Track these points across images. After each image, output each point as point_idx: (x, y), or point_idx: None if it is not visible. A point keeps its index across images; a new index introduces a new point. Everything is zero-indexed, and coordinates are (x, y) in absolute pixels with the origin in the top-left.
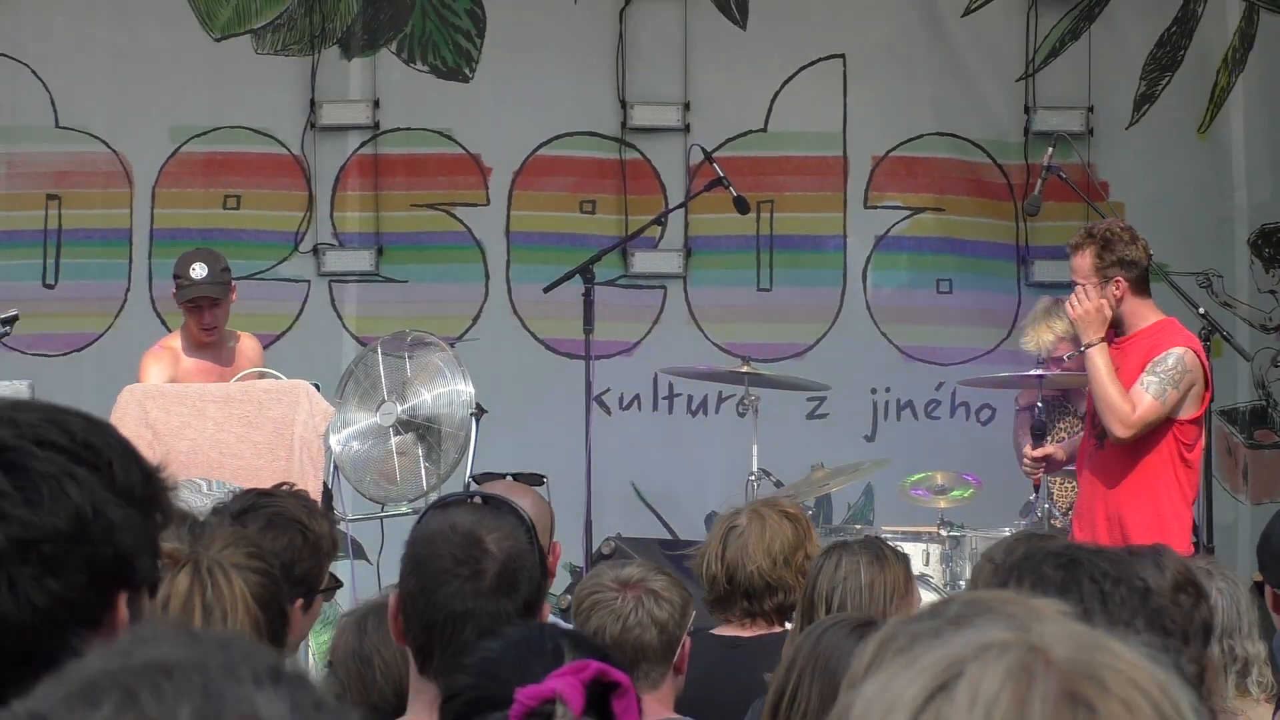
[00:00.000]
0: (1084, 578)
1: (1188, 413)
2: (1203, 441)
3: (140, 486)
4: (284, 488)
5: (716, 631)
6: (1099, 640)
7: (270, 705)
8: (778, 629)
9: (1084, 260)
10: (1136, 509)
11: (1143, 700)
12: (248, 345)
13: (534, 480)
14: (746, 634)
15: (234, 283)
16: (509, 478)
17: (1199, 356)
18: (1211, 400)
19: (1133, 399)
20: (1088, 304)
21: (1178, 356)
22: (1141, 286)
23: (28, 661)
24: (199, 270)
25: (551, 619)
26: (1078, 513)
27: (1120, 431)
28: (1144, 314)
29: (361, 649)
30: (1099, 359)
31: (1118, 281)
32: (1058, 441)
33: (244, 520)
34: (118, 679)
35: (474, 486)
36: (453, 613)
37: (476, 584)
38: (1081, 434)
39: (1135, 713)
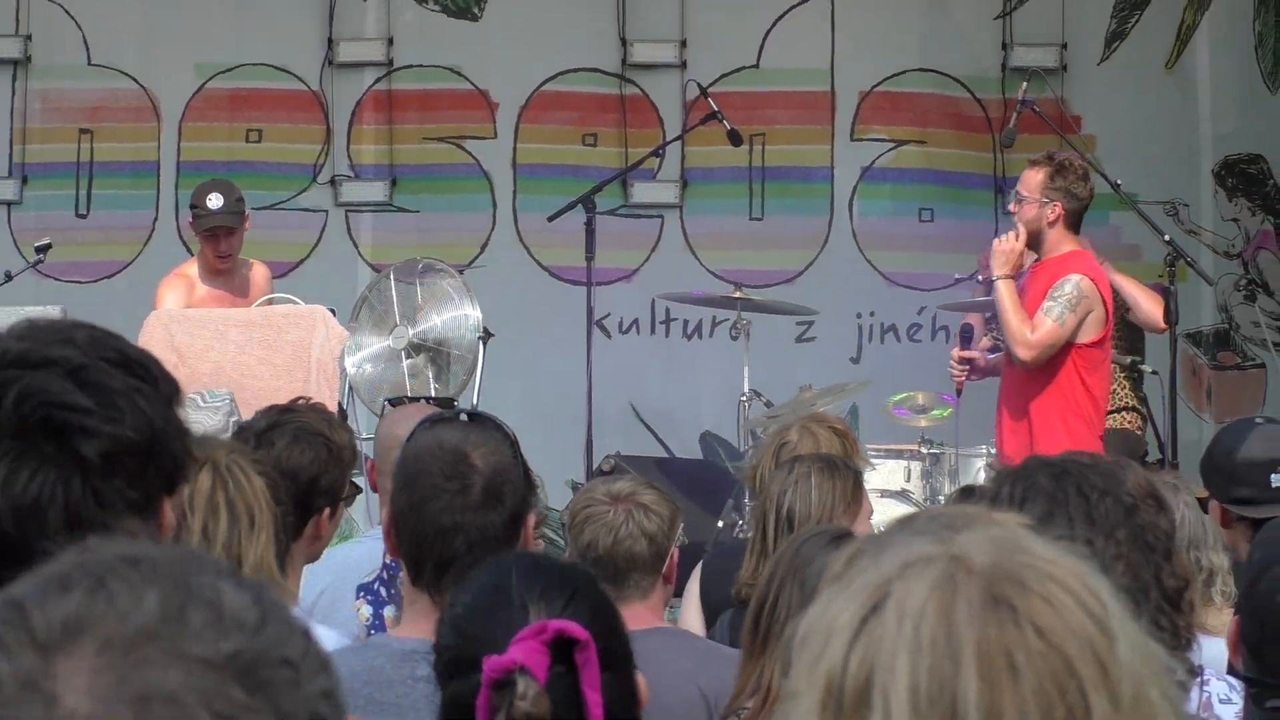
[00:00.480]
0: (1071, 488)
1: (1087, 337)
2: (1106, 366)
3: (175, 397)
4: (301, 402)
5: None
6: (1017, 541)
7: (235, 595)
8: None
9: (1036, 175)
10: (1043, 428)
11: (1062, 593)
12: (259, 272)
13: (446, 404)
14: None
15: (248, 212)
16: (422, 401)
17: (1097, 285)
18: (1112, 328)
19: (1034, 324)
20: (1011, 244)
21: (1074, 283)
22: (1073, 220)
23: None
24: (215, 200)
25: (544, 536)
26: (998, 423)
27: (1023, 354)
28: (1063, 244)
29: None
30: (1004, 290)
31: (1056, 205)
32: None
33: (270, 435)
34: (89, 569)
35: (388, 409)
36: (441, 527)
37: (464, 498)
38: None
39: (1056, 606)
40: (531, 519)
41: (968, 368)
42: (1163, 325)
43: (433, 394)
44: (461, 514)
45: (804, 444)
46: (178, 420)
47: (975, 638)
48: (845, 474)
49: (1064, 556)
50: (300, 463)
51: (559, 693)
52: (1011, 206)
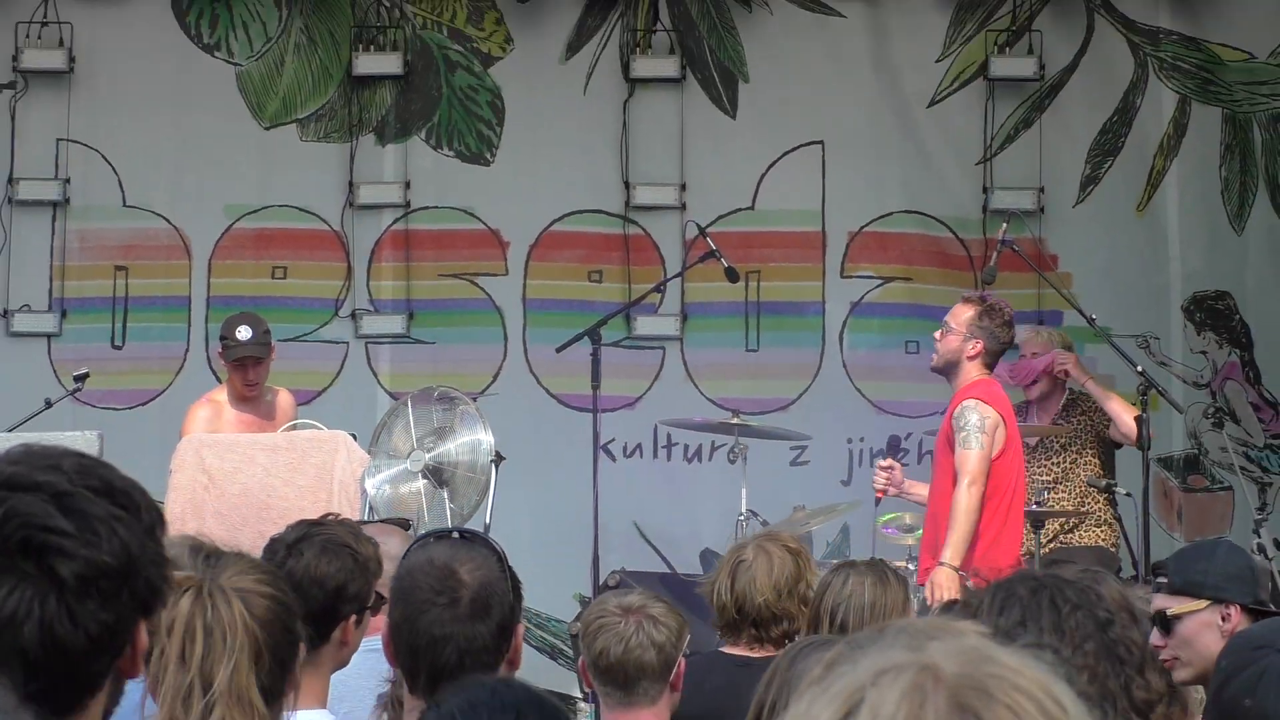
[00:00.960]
0: (1045, 600)
1: (995, 450)
2: (1009, 477)
3: (157, 526)
4: (330, 518)
5: (727, 650)
6: (986, 652)
7: None
8: (776, 651)
9: (967, 311)
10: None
11: (1026, 702)
12: (284, 399)
13: (401, 524)
14: (755, 655)
15: (274, 344)
16: (379, 522)
17: (986, 402)
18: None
19: (960, 464)
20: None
21: (971, 408)
22: (990, 360)
23: (74, 683)
24: (244, 332)
25: (548, 644)
26: (923, 538)
27: (974, 493)
28: (973, 374)
29: None
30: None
31: (978, 343)
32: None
33: (300, 546)
34: None
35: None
36: (433, 637)
37: (454, 610)
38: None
39: (1020, 715)
40: (520, 629)
41: (889, 476)
42: (1134, 435)
43: (448, 513)
44: (452, 625)
45: (759, 562)
46: (156, 548)
47: None
48: (896, 586)
49: (1030, 666)
50: (327, 571)
51: None
52: (937, 334)
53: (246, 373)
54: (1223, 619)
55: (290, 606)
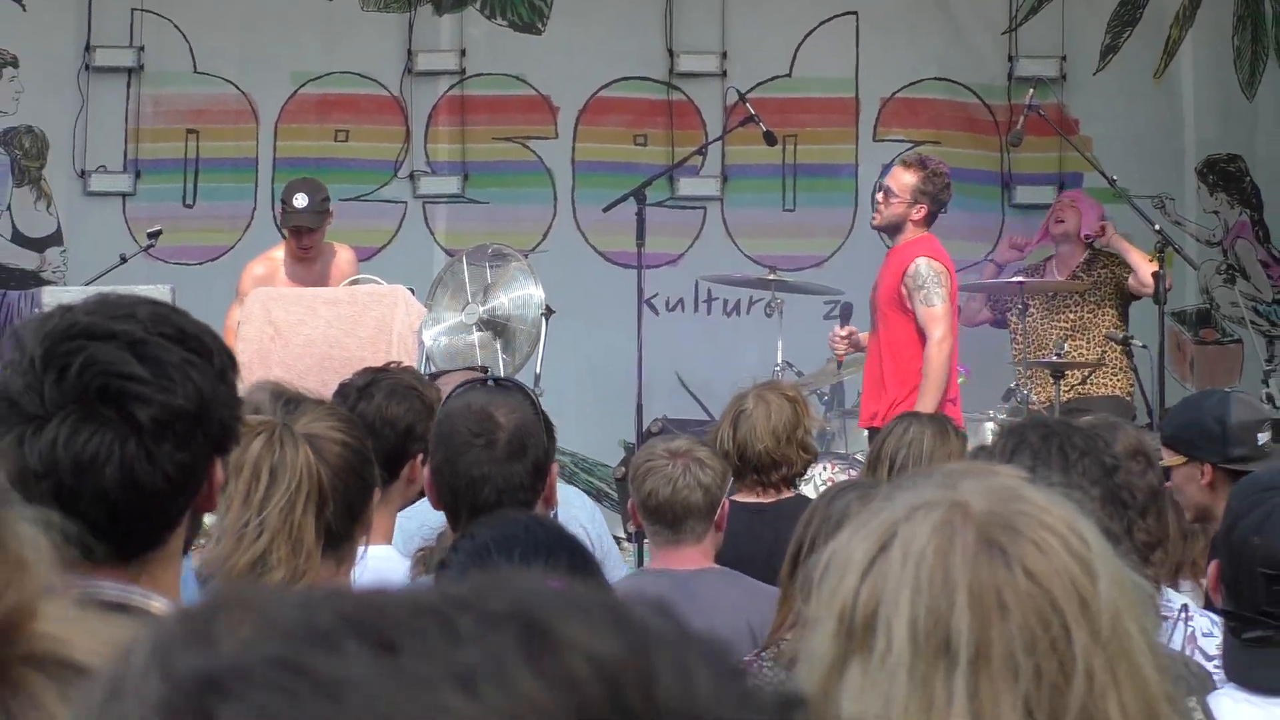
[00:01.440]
0: (1054, 446)
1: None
2: (956, 331)
3: (229, 369)
4: (393, 365)
5: (738, 498)
6: (1014, 490)
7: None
8: (788, 494)
9: (910, 178)
10: (899, 392)
11: (1051, 538)
12: (343, 256)
13: (480, 371)
14: (766, 500)
15: (331, 209)
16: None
17: (935, 259)
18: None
19: (927, 325)
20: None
21: (924, 265)
22: (931, 219)
23: (152, 521)
24: (300, 200)
25: (593, 487)
26: (864, 389)
27: (948, 347)
28: (915, 232)
29: None
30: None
31: (922, 207)
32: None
33: (369, 390)
34: None
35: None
36: (472, 477)
37: (491, 451)
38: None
39: (1045, 550)
40: (554, 468)
41: (846, 340)
42: (1151, 286)
43: (500, 363)
44: (490, 465)
45: (758, 410)
46: (228, 391)
47: (969, 578)
48: (955, 440)
49: (1056, 504)
50: (397, 413)
51: None
52: (878, 197)
53: (301, 238)
54: (1200, 474)
55: (364, 453)
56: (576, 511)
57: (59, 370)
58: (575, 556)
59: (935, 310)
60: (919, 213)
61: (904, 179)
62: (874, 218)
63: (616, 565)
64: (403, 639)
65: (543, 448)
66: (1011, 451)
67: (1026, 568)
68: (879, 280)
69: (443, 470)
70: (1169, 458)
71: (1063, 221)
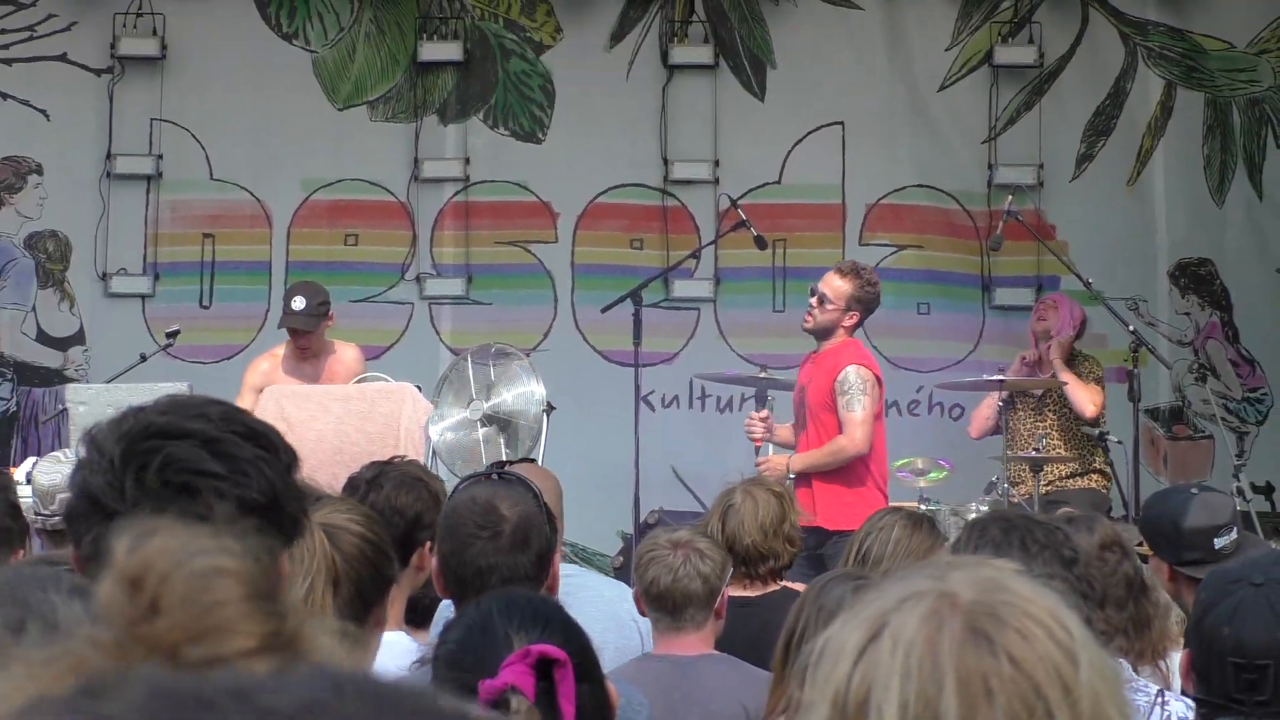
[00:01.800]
0: (1015, 539)
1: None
2: (882, 434)
3: (294, 464)
4: (398, 459)
5: (728, 592)
6: (1000, 581)
7: (68, 608)
8: (774, 587)
9: (847, 285)
10: (826, 496)
11: (1035, 626)
12: (347, 354)
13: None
14: (753, 594)
15: (331, 312)
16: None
17: (865, 367)
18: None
19: (846, 425)
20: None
21: (853, 373)
22: (858, 325)
23: None
24: (298, 303)
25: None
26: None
27: (853, 452)
28: (843, 337)
29: None
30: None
31: (854, 315)
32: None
33: (378, 481)
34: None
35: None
36: (478, 568)
37: (496, 543)
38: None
39: (1029, 639)
40: (557, 558)
41: (765, 426)
42: (1089, 415)
43: (504, 457)
44: (495, 556)
45: (746, 505)
46: (295, 485)
47: (955, 664)
48: (925, 533)
49: (1040, 594)
50: (405, 503)
51: (542, 707)
52: (812, 301)
53: (298, 338)
54: (1159, 569)
55: (380, 547)
56: (609, 593)
57: (139, 468)
58: (570, 633)
59: (855, 416)
60: (850, 319)
61: (839, 286)
62: (806, 321)
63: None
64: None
65: (545, 539)
66: (975, 545)
67: (1011, 655)
68: (809, 383)
69: (449, 560)
70: (1143, 547)
71: (1044, 320)
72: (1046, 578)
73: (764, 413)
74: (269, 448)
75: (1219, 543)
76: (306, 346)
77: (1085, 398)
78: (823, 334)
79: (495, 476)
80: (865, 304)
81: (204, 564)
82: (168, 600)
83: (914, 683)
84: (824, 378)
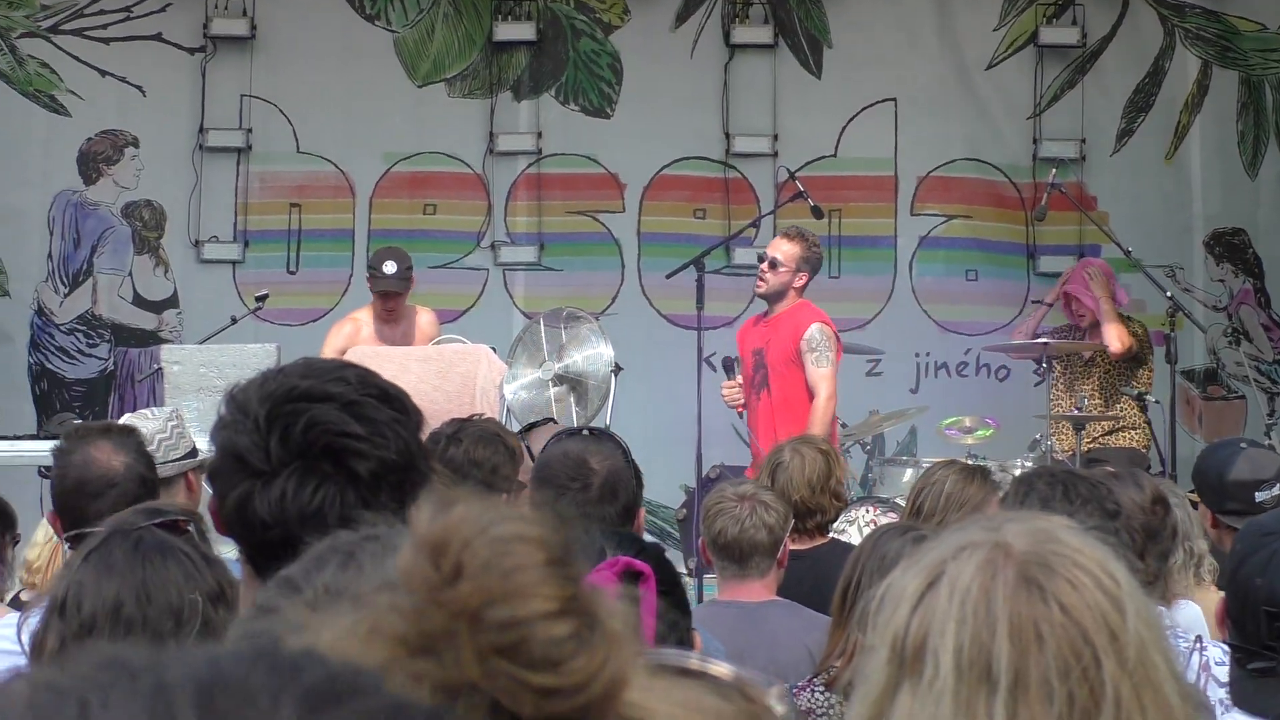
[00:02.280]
0: (1058, 493)
1: None
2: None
3: (421, 425)
4: (476, 416)
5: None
6: (1051, 533)
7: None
8: (821, 540)
9: (795, 249)
10: (789, 435)
11: (1084, 576)
12: (424, 318)
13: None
14: (802, 548)
15: (414, 276)
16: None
17: (827, 325)
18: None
19: (816, 384)
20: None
21: (817, 330)
22: (807, 284)
23: None
24: (389, 267)
25: (656, 527)
26: (757, 445)
27: (833, 406)
28: (796, 298)
29: None
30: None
31: (804, 275)
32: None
33: (459, 436)
34: (339, 549)
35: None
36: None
37: (586, 494)
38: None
39: (1078, 587)
40: (642, 511)
41: (737, 392)
42: (1115, 350)
43: (574, 416)
44: (584, 507)
45: (794, 463)
46: (423, 444)
47: (1009, 611)
48: (978, 485)
49: (1090, 545)
50: (483, 456)
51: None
52: (763, 267)
53: (386, 301)
54: (1205, 515)
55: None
56: None
57: (283, 429)
58: (661, 562)
59: (824, 372)
60: (801, 280)
61: (789, 249)
62: (759, 286)
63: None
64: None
65: (632, 492)
66: (1023, 497)
67: (1061, 602)
68: (769, 343)
69: (542, 510)
70: (1194, 494)
71: (1081, 314)
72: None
73: (733, 381)
74: (402, 410)
75: (1260, 496)
76: (394, 309)
77: (1114, 334)
78: (776, 297)
79: (587, 432)
80: (812, 265)
81: (505, 530)
82: (470, 565)
83: (969, 627)
84: (789, 336)
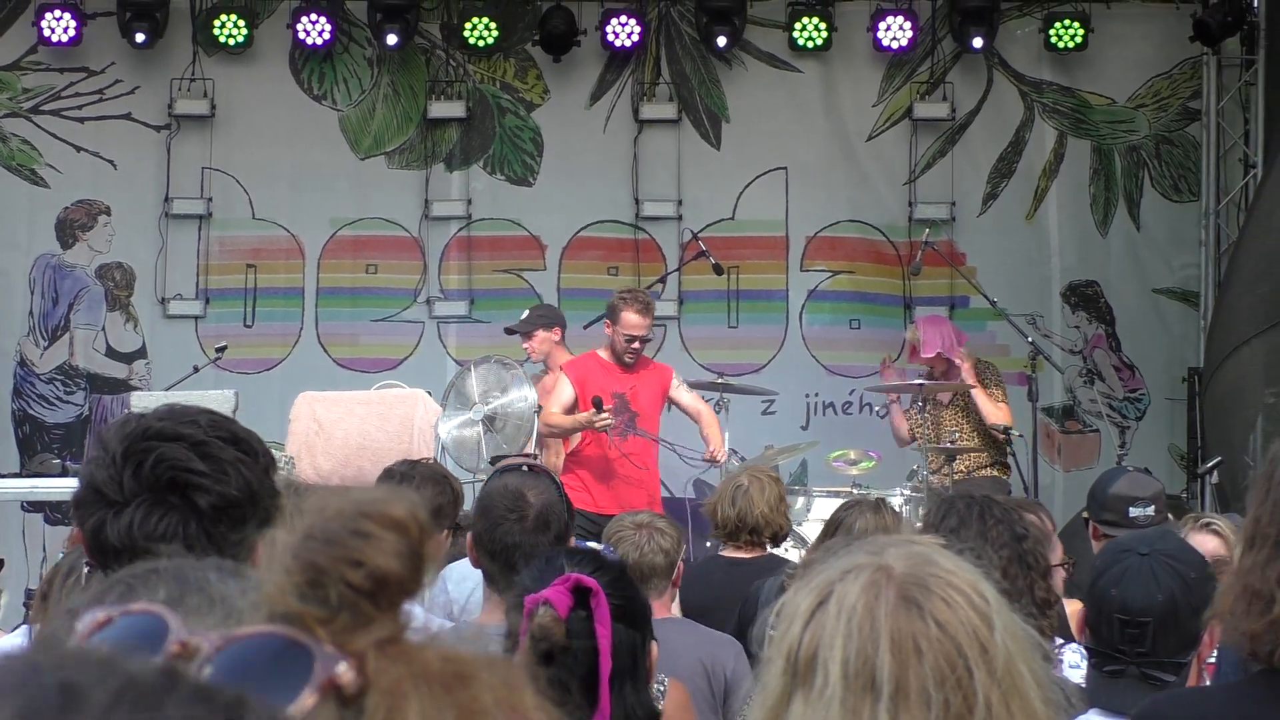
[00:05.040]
0: (975, 512)
1: None
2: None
3: (271, 466)
4: (424, 460)
5: (724, 554)
6: (928, 556)
7: (222, 585)
8: (761, 553)
9: (651, 319)
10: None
11: (957, 595)
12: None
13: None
14: (745, 556)
15: (556, 327)
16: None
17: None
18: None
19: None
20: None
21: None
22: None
23: None
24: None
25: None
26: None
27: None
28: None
29: None
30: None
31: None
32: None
33: (410, 476)
34: (121, 580)
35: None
36: (505, 545)
37: (522, 525)
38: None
39: (952, 605)
40: (572, 540)
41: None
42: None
43: (501, 452)
44: (520, 536)
45: (754, 487)
46: (271, 484)
47: (890, 627)
48: (884, 516)
49: (962, 568)
50: (429, 495)
51: (581, 630)
52: (639, 347)
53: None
54: (1092, 529)
55: None
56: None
57: (135, 465)
58: (619, 580)
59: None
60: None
61: (648, 322)
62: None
63: None
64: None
65: (564, 522)
66: (942, 516)
67: (937, 619)
68: (647, 392)
69: (482, 537)
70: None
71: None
72: (999, 547)
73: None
74: (249, 451)
75: (1133, 512)
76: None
77: (992, 413)
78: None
79: (525, 468)
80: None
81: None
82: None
83: (855, 642)
84: (657, 383)
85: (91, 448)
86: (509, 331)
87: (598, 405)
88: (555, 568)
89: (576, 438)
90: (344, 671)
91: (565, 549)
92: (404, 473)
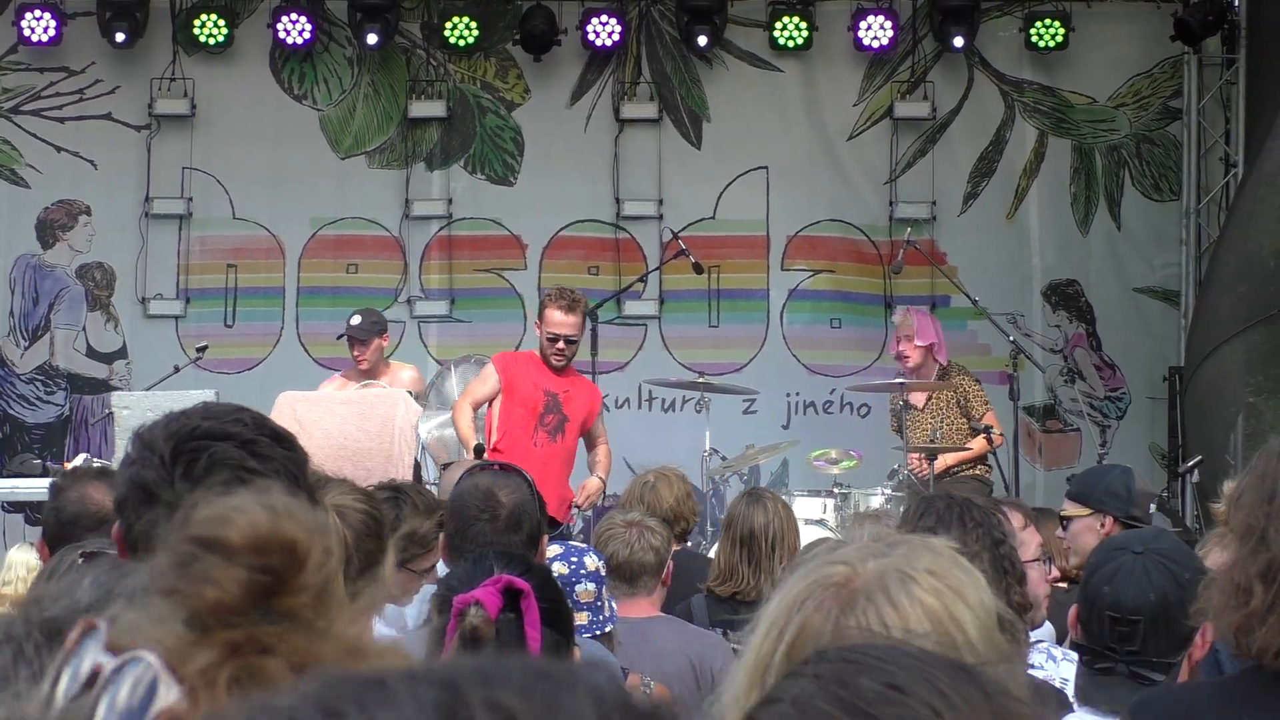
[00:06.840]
0: (955, 514)
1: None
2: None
3: (307, 461)
4: (403, 480)
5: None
6: (896, 563)
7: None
8: (677, 547)
9: (579, 318)
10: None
11: (930, 598)
12: (405, 375)
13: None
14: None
15: (386, 332)
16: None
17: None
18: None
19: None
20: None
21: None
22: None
23: None
24: (355, 319)
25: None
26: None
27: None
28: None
29: None
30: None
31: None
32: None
33: (399, 503)
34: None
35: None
36: (478, 545)
37: (494, 524)
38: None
39: (899, 608)
40: (544, 539)
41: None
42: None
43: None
44: (492, 535)
45: (660, 484)
46: (309, 481)
47: (832, 630)
48: (774, 506)
49: (932, 576)
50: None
51: (510, 631)
52: (564, 347)
53: (353, 349)
54: (1100, 525)
55: (380, 520)
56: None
57: (187, 464)
58: (547, 584)
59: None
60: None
61: (576, 321)
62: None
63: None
64: (346, 706)
65: (535, 522)
66: (920, 514)
67: (885, 622)
68: (580, 403)
69: (454, 538)
70: (1072, 509)
71: (908, 357)
72: (978, 549)
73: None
74: (291, 448)
75: (1151, 508)
76: (362, 357)
77: (991, 419)
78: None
79: (496, 467)
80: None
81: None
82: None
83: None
84: (591, 396)
85: (132, 448)
86: (349, 335)
87: (478, 452)
88: (484, 568)
89: (498, 433)
90: (176, 701)
91: (493, 550)
92: (388, 499)
